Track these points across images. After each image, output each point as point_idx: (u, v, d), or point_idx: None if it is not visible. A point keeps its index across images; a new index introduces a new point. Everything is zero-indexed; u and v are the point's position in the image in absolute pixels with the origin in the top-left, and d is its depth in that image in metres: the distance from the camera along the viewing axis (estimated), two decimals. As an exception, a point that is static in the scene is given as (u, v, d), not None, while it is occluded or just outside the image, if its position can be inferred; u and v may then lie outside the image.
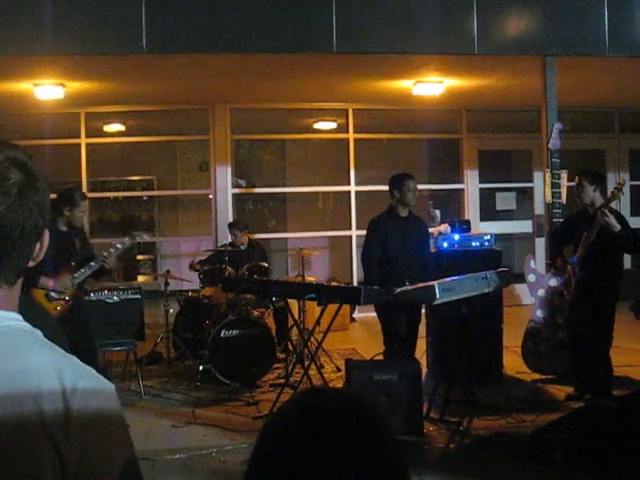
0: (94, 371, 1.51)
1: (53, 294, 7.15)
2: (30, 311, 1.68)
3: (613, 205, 8.05)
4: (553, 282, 8.59)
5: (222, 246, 11.34)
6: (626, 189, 15.14)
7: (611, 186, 8.14)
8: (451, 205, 15.58)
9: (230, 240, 11.40)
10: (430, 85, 12.16)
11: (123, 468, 1.45)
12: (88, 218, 13.62)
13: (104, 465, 1.42)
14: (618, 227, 7.58)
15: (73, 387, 1.41)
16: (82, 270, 7.30)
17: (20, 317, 1.53)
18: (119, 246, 7.59)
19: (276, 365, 9.58)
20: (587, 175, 8.10)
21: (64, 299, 7.22)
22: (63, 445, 1.37)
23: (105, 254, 7.44)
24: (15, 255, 1.51)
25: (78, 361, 1.51)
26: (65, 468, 1.37)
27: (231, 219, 13.42)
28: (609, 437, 5.04)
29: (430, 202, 15.61)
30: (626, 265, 13.99)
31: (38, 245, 1.56)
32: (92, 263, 7.36)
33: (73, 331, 7.10)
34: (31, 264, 1.57)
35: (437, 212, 13.38)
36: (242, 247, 10.82)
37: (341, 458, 1.35)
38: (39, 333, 1.53)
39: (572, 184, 8.49)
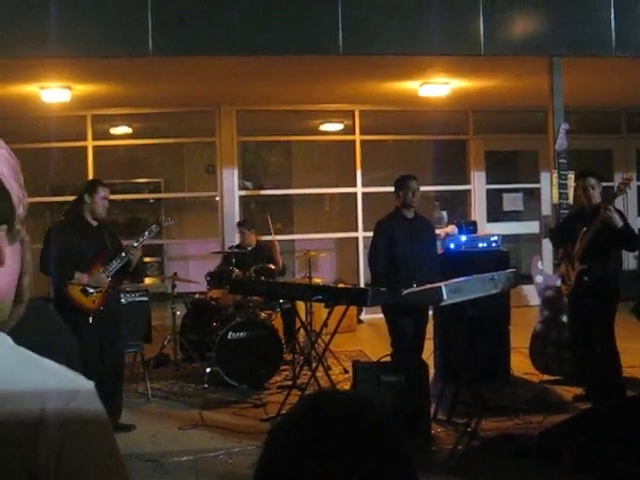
0: (69, 372, 1.42)
1: (89, 289, 7.30)
2: (35, 313, 1.64)
3: (619, 202, 8.04)
4: (559, 282, 8.58)
5: (229, 248, 11.35)
6: (633, 189, 15.13)
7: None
8: (458, 206, 15.58)
9: (237, 242, 11.41)
10: (436, 86, 12.17)
11: (107, 475, 1.38)
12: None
13: (85, 473, 1.34)
14: (620, 223, 7.58)
15: (44, 391, 1.34)
16: (113, 262, 7.45)
17: None
18: (146, 234, 7.77)
19: (283, 367, 9.58)
20: (595, 175, 8.08)
21: (101, 292, 7.36)
22: (31, 455, 1.29)
23: (131, 244, 7.64)
24: None
25: (51, 363, 1.42)
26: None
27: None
28: (617, 439, 5.03)
29: (437, 203, 15.61)
30: (632, 265, 14.00)
31: None
32: (122, 254, 7.51)
33: (108, 323, 7.41)
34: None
35: (444, 213, 13.40)
36: (249, 248, 10.82)
37: (349, 460, 1.35)
38: (8, 339, 1.43)
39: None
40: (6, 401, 1.33)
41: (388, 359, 7.94)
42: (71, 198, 14.42)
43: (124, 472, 1.43)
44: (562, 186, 9.70)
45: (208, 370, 9.24)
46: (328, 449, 1.36)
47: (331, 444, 1.36)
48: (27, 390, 1.35)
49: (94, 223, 7.53)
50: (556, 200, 9.77)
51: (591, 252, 7.82)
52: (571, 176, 9.69)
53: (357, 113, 14.67)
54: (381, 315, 8.32)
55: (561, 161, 9.78)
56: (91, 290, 7.31)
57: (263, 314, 9.80)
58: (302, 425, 1.42)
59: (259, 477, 1.42)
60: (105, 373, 7.35)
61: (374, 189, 14.50)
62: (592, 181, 8.02)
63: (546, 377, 8.90)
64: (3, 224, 1.45)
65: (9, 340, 1.45)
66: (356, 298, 7.82)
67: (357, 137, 14.74)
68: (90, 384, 1.43)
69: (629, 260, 13.68)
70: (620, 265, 8.14)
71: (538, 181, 15.17)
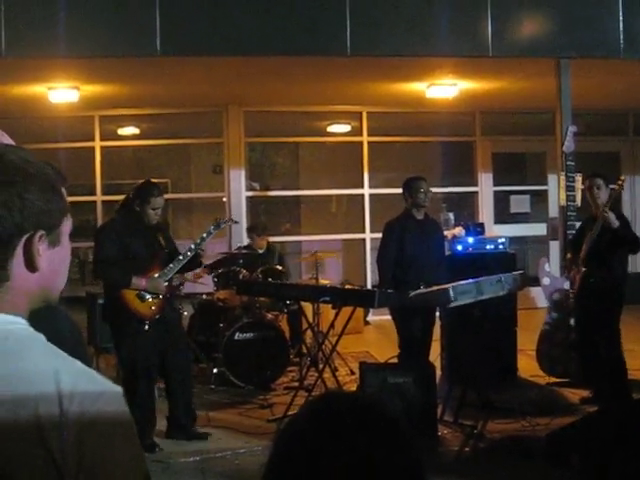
0: (96, 374, 1.48)
1: (146, 294, 6.95)
2: (46, 314, 1.66)
3: (627, 207, 8.07)
4: (567, 285, 8.57)
5: (237, 249, 11.33)
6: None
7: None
8: (465, 208, 15.56)
9: (246, 243, 11.41)
10: (444, 87, 12.16)
11: (128, 476, 1.42)
12: (103, 220, 13.65)
13: (105, 473, 1.38)
14: (617, 223, 7.61)
15: (71, 391, 1.38)
16: (171, 266, 7.11)
17: (22, 321, 1.51)
18: (204, 236, 7.41)
19: (290, 368, 9.58)
20: (603, 177, 8.10)
21: (158, 298, 7.01)
22: (58, 452, 1.34)
23: (194, 245, 7.28)
24: None
25: (80, 365, 1.48)
26: (62, 478, 1.34)
27: (245, 222, 13.43)
28: (625, 441, 5.02)
29: (444, 205, 15.59)
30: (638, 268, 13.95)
31: (22, 250, 1.50)
32: (180, 257, 7.18)
33: (168, 331, 7.14)
34: (35, 275, 1.53)
35: (451, 215, 13.34)
36: (261, 251, 10.84)
37: (357, 454, 1.36)
38: (41, 337, 1.51)
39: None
40: (35, 400, 1.36)
41: (395, 360, 7.94)
42: (77, 199, 14.54)
43: (144, 474, 1.45)
44: (569, 188, 9.68)
45: (215, 371, 9.25)
46: (336, 444, 1.37)
47: (338, 439, 1.37)
48: (55, 389, 1.39)
49: (154, 221, 7.11)
50: (563, 202, 9.75)
51: (594, 255, 7.83)
52: (579, 178, 9.68)
53: (365, 114, 14.67)
54: (388, 316, 8.32)
55: (569, 163, 9.76)
56: (147, 296, 6.93)
57: (270, 315, 9.79)
58: (311, 422, 1.43)
59: (269, 475, 1.43)
60: (173, 383, 7.26)
61: (381, 190, 14.51)
62: (599, 181, 8.03)
63: (553, 379, 8.89)
64: (45, 229, 1.50)
65: (42, 338, 1.49)
66: (363, 299, 7.81)
67: (364, 138, 14.74)
68: (117, 388, 1.47)
69: (637, 262, 13.64)
70: (625, 267, 8.14)
71: (545, 183, 15.15)
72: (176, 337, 7.31)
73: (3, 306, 1.49)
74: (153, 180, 7.59)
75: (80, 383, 1.41)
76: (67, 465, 1.34)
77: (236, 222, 8.70)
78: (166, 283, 7.11)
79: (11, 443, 1.34)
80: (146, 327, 6.92)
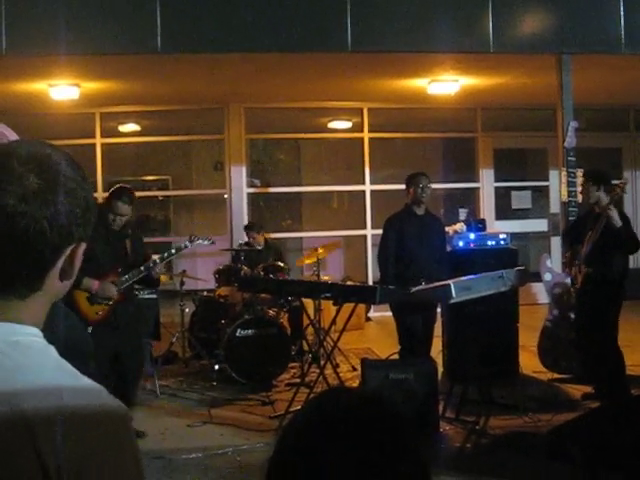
0: (104, 392, 1.44)
1: (97, 299, 6.85)
2: (56, 316, 1.66)
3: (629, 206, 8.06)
4: (569, 280, 8.56)
5: (239, 245, 11.34)
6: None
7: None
8: (466, 204, 15.56)
9: (246, 240, 11.41)
10: (445, 84, 12.15)
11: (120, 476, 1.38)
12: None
13: (100, 475, 1.34)
14: (619, 223, 7.61)
15: (73, 410, 1.35)
16: (128, 275, 7.01)
17: (36, 332, 1.47)
18: (166, 255, 7.38)
19: (292, 364, 9.58)
20: (589, 175, 8.11)
21: (107, 304, 6.91)
22: (47, 454, 1.30)
23: (154, 259, 7.18)
24: (27, 267, 1.43)
25: (88, 382, 1.44)
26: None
27: (246, 219, 13.44)
28: (628, 436, 5.02)
29: (442, 201, 15.61)
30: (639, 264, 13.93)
31: (63, 260, 1.47)
32: (142, 268, 7.06)
33: (117, 336, 7.00)
34: (62, 283, 1.51)
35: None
36: (259, 247, 10.82)
37: (361, 451, 1.36)
38: (52, 350, 1.47)
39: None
40: (26, 398, 1.34)
41: (396, 357, 7.95)
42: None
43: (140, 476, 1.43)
44: (571, 184, 9.68)
45: (216, 367, 9.24)
46: (340, 440, 1.36)
47: (343, 435, 1.37)
48: (49, 390, 1.37)
49: (116, 227, 7.00)
50: (565, 198, 9.76)
51: (595, 254, 7.82)
52: (580, 174, 9.68)
53: (365, 111, 14.66)
54: (389, 313, 8.31)
55: (570, 159, 9.76)
56: (97, 300, 6.84)
57: (271, 312, 9.79)
58: (315, 418, 1.43)
59: (272, 472, 1.42)
60: (122, 385, 7.18)
61: (382, 187, 14.51)
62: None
63: (555, 375, 8.88)
64: (84, 239, 1.50)
65: (53, 352, 1.47)
66: (365, 296, 7.80)
67: (365, 135, 14.74)
68: (122, 409, 1.46)
69: (638, 258, 13.62)
70: (627, 264, 8.13)
71: (547, 179, 15.16)
72: (128, 342, 7.15)
73: (21, 316, 1.45)
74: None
75: (84, 402, 1.38)
76: (52, 465, 1.31)
77: (213, 243, 8.62)
78: (119, 290, 6.99)
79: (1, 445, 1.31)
80: (89, 330, 6.67)
